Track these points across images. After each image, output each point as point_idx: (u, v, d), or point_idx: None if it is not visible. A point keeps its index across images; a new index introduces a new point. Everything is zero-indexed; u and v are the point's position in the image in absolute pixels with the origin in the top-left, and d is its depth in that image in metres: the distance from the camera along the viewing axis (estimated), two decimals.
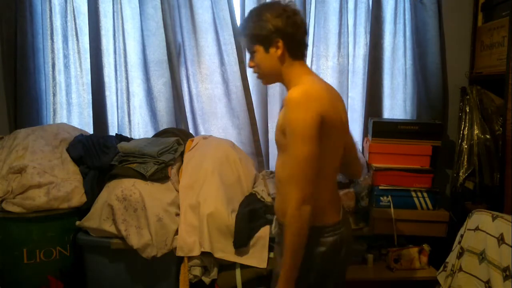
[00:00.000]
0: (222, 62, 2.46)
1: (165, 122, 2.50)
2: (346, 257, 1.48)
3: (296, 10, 1.40)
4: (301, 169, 1.26)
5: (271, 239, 1.97)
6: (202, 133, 2.54)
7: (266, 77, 1.46)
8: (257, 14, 1.39)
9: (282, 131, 1.34)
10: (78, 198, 2.02)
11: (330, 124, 1.31)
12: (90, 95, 2.48)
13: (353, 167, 1.63)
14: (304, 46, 1.43)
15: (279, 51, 1.37)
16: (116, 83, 2.49)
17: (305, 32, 1.42)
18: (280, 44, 1.36)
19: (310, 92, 1.31)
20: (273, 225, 1.61)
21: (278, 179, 1.44)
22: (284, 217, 1.40)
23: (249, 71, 2.48)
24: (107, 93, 2.50)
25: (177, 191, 2.09)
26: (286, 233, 1.28)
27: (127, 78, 2.48)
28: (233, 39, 2.39)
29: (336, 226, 1.41)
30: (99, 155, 2.13)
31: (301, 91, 1.30)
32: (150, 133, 2.52)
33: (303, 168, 1.26)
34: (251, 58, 1.45)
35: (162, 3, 2.37)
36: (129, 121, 2.52)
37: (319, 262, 1.38)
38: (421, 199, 2.25)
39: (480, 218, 1.76)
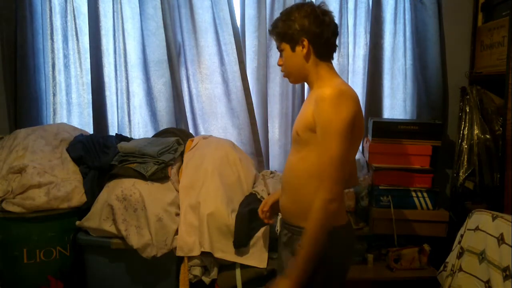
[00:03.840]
0: (222, 62, 2.46)
1: (165, 122, 2.50)
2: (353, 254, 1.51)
3: (326, 10, 1.42)
4: (335, 167, 1.28)
5: (271, 239, 1.97)
6: (202, 133, 2.54)
7: (292, 75, 1.48)
8: (287, 13, 1.43)
9: (309, 127, 1.35)
10: (78, 198, 2.02)
11: (358, 125, 1.35)
12: (90, 95, 2.48)
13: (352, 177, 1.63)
14: (333, 46, 1.45)
15: (305, 50, 1.40)
16: (116, 83, 2.49)
17: (334, 33, 1.43)
18: (306, 43, 1.39)
19: (344, 91, 1.33)
20: (277, 225, 1.60)
21: (295, 174, 1.44)
22: (297, 218, 1.42)
23: (249, 71, 2.48)
24: (107, 93, 2.50)
25: (177, 191, 2.09)
26: (310, 225, 1.29)
27: (127, 78, 2.48)
28: (233, 39, 2.39)
29: (348, 225, 1.46)
30: (99, 155, 2.13)
31: (337, 89, 1.32)
32: (150, 133, 2.52)
33: (337, 167, 1.28)
34: (280, 56, 1.48)
35: (162, 3, 2.37)
36: (129, 121, 2.52)
37: (336, 259, 1.40)
38: (421, 199, 2.25)
39: (480, 218, 1.76)
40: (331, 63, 1.46)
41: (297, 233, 1.42)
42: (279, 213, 1.57)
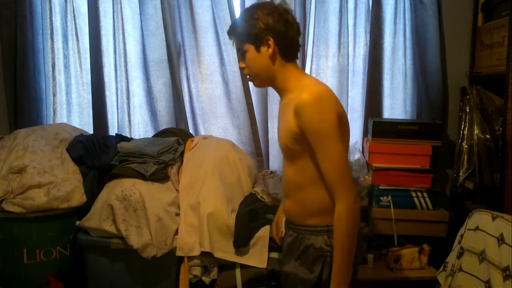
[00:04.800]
0: (222, 62, 2.46)
1: (165, 122, 2.50)
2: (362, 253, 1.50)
3: (288, 9, 1.38)
4: (343, 168, 1.27)
5: (271, 239, 1.97)
6: (202, 133, 2.54)
7: (258, 78, 1.42)
8: (248, 13, 1.37)
9: (295, 138, 1.31)
10: (78, 198, 2.02)
11: (344, 122, 1.32)
12: (90, 95, 2.48)
13: None
14: (297, 46, 1.40)
15: (270, 50, 1.34)
16: (116, 83, 2.49)
17: (297, 32, 1.38)
18: (271, 42, 1.33)
19: (322, 92, 1.28)
20: (282, 226, 1.57)
21: (298, 186, 1.40)
22: (304, 217, 1.40)
23: None
24: (107, 93, 2.50)
25: (177, 191, 2.09)
26: (339, 232, 1.28)
27: (127, 78, 2.48)
28: None
29: None
30: (99, 155, 2.13)
31: (315, 93, 1.26)
32: (150, 133, 2.52)
33: (345, 166, 1.27)
34: (242, 59, 1.41)
35: (162, 3, 2.37)
36: (129, 121, 2.52)
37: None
38: (421, 199, 2.25)
39: (480, 218, 1.76)
40: (297, 63, 1.42)
41: (303, 232, 1.41)
42: (284, 215, 1.56)
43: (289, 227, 1.51)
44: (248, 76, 1.44)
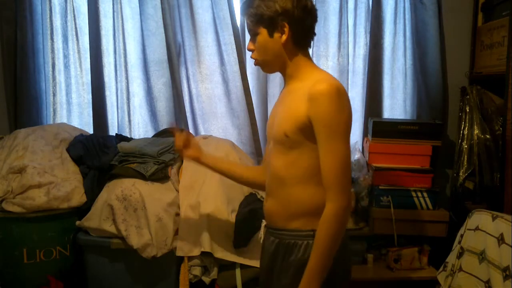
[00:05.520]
0: (222, 62, 2.46)
1: (165, 122, 2.49)
2: (350, 253, 1.43)
3: None
4: (345, 168, 1.19)
5: None
6: (202, 133, 2.54)
7: (266, 64, 1.34)
8: None
9: (300, 127, 1.22)
10: (78, 198, 2.02)
11: (351, 123, 1.26)
12: (90, 95, 2.48)
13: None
14: (312, 35, 1.32)
15: (284, 37, 1.25)
16: (116, 83, 2.49)
17: (315, 19, 1.30)
18: (286, 29, 1.24)
19: (339, 86, 1.20)
20: (261, 232, 1.45)
21: (283, 181, 1.31)
22: (285, 220, 1.32)
23: (249, 71, 2.48)
24: (107, 93, 2.50)
25: (177, 191, 2.09)
26: (323, 235, 1.19)
27: (127, 78, 2.48)
28: (233, 39, 2.39)
29: None
30: (99, 155, 2.13)
31: (333, 85, 1.19)
32: (150, 133, 2.52)
33: (347, 169, 1.20)
34: (252, 41, 1.32)
35: (162, 3, 2.37)
36: (129, 121, 2.52)
37: (336, 262, 1.27)
38: (421, 199, 2.25)
39: (480, 218, 1.76)
40: (308, 51, 1.33)
41: (285, 237, 1.32)
42: (263, 220, 1.45)
43: (269, 233, 1.39)
44: (255, 61, 1.35)
